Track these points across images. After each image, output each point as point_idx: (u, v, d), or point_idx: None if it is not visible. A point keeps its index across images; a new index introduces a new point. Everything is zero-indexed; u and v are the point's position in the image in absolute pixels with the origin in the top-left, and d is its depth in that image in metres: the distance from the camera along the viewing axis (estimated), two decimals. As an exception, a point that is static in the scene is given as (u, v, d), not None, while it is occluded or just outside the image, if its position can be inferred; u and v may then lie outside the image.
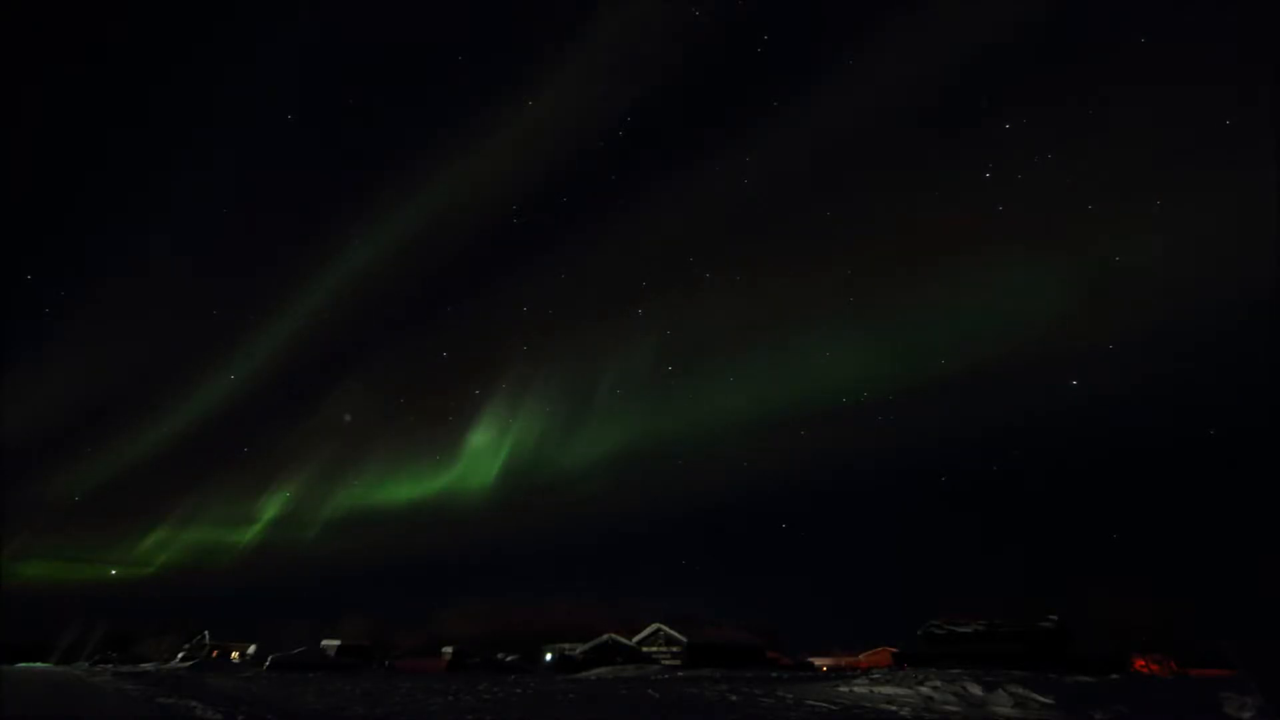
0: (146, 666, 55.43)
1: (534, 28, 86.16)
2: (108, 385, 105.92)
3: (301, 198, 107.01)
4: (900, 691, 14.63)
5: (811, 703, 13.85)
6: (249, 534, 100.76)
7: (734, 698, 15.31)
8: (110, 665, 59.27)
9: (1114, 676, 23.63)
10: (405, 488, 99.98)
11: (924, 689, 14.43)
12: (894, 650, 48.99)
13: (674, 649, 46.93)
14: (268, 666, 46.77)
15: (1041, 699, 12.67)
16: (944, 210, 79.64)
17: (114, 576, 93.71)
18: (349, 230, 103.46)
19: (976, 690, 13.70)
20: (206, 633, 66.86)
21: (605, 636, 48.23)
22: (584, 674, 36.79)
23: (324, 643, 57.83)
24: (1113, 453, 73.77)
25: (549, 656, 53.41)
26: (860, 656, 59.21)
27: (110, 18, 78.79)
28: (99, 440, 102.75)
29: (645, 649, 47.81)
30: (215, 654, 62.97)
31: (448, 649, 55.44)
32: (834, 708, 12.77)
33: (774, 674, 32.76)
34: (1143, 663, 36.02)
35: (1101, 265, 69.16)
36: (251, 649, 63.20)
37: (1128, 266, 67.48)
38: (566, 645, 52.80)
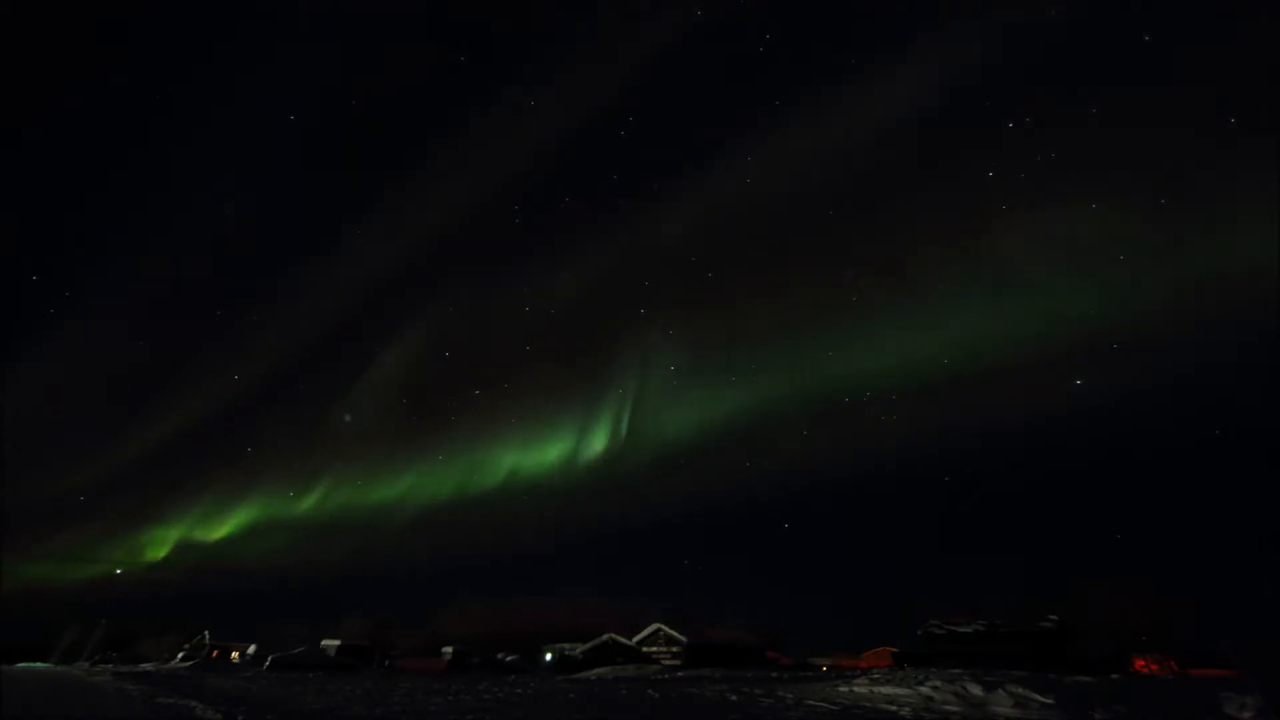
0: (146, 666, 55.44)
1: (535, 28, 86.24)
2: (111, 385, 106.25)
3: (304, 198, 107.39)
4: (900, 691, 14.62)
5: (811, 703, 13.84)
6: (250, 534, 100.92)
7: (734, 698, 15.31)
8: (110, 665, 59.29)
9: (1114, 676, 23.61)
10: (407, 487, 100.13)
11: (924, 689, 14.43)
12: (894, 650, 48.94)
13: (674, 649, 46.89)
14: (268, 666, 46.74)
15: (1041, 699, 12.67)
16: (947, 209, 79.84)
17: (117, 576, 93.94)
18: (352, 230, 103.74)
19: (976, 690, 13.69)
20: (206, 633, 66.82)
21: (605, 636, 48.19)
22: (584, 674, 36.78)
23: (324, 643, 57.76)
24: (1114, 452, 73.91)
25: (549, 656, 53.36)
26: (860, 656, 59.17)
27: (113, 21, 78.86)
28: (102, 440, 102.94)
29: (645, 649, 47.76)
30: (215, 654, 62.93)
31: (448, 649, 55.39)
32: (834, 708, 12.76)
33: (774, 674, 32.76)
34: (1143, 663, 35.99)
35: (1105, 264, 69.31)
36: (251, 649, 63.14)
37: (1131, 266, 67.62)
38: (566, 645, 52.73)
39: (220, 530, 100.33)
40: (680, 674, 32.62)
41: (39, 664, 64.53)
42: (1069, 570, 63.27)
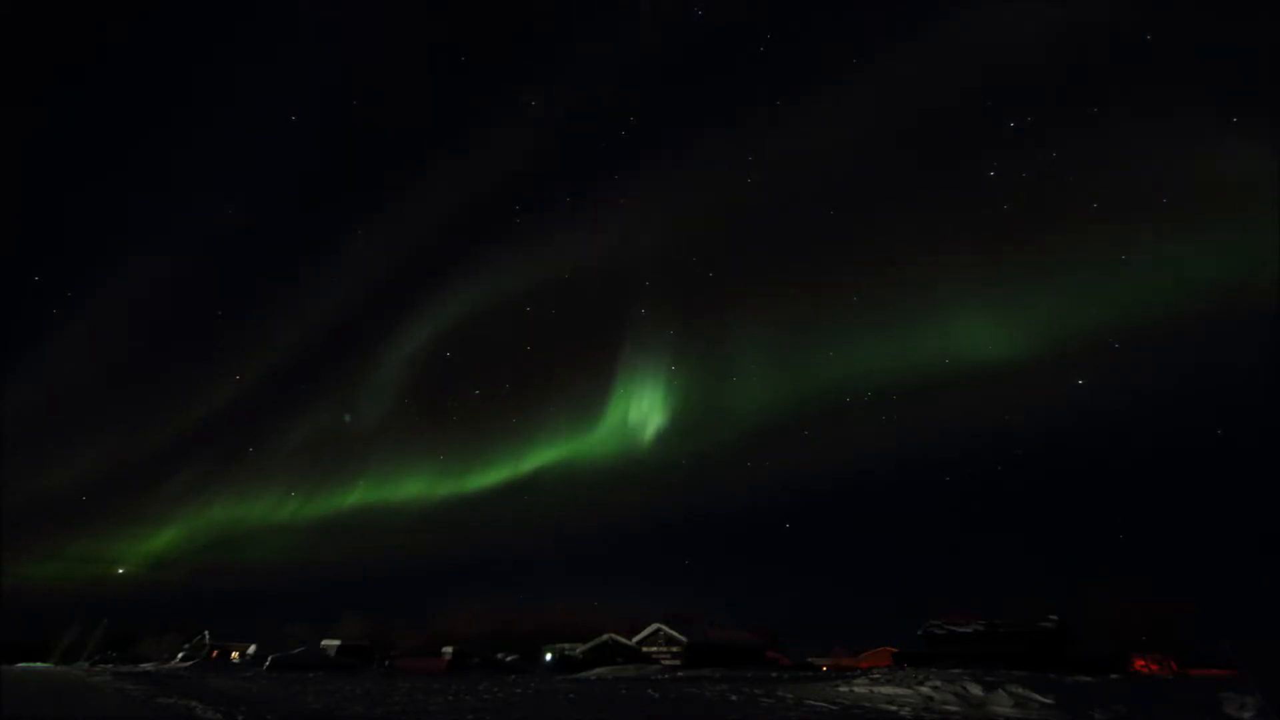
0: (146, 666, 55.44)
1: (535, 28, 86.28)
2: (112, 385, 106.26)
3: (304, 198, 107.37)
4: (900, 691, 14.62)
5: (811, 703, 13.84)
6: (250, 534, 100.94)
7: (734, 698, 15.31)
8: (110, 665, 59.29)
9: (1114, 676, 23.62)
10: (408, 488, 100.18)
11: (924, 689, 14.42)
12: (894, 650, 48.96)
13: (674, 649, 46.89)
14: (268, 666, 46.75)
15: (1041, 699, 12.67)
16: (947, 209, 79.85)
17: (119, 575, 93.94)
18: (352, 230, 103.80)
19: (976, 690, 13.69)
20: (206, 633, 66.81)
21: (605, 636, 48.18)
22: (584, 674, 36.78)
23: (324, 643, 57.79)
24: (1115, 453, 73.84)
25: (549, 656, 53.37)
26: (860, 656, 59.18)
27: (114, 21, 78.92)
28: (102, 440, 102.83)
29: (645, 649, 47.77)
30: (215, 654, 62.95)
31: (448, 649, 55.40)
32: (834, 708, 12.76)
33: (774, 674, 32.75)
34: (1143, 663, 35.97)
35: (1106, 264, 69.25)
36: (251, 649, 63.17)
37: (1133, 265, 67.57)
38: (566, 645, 52.75)
39: (220, 530, 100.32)
40: (680, 674, 32.61)
41: (39, 664, 64.50)
42: (1069, 570, 63.46)
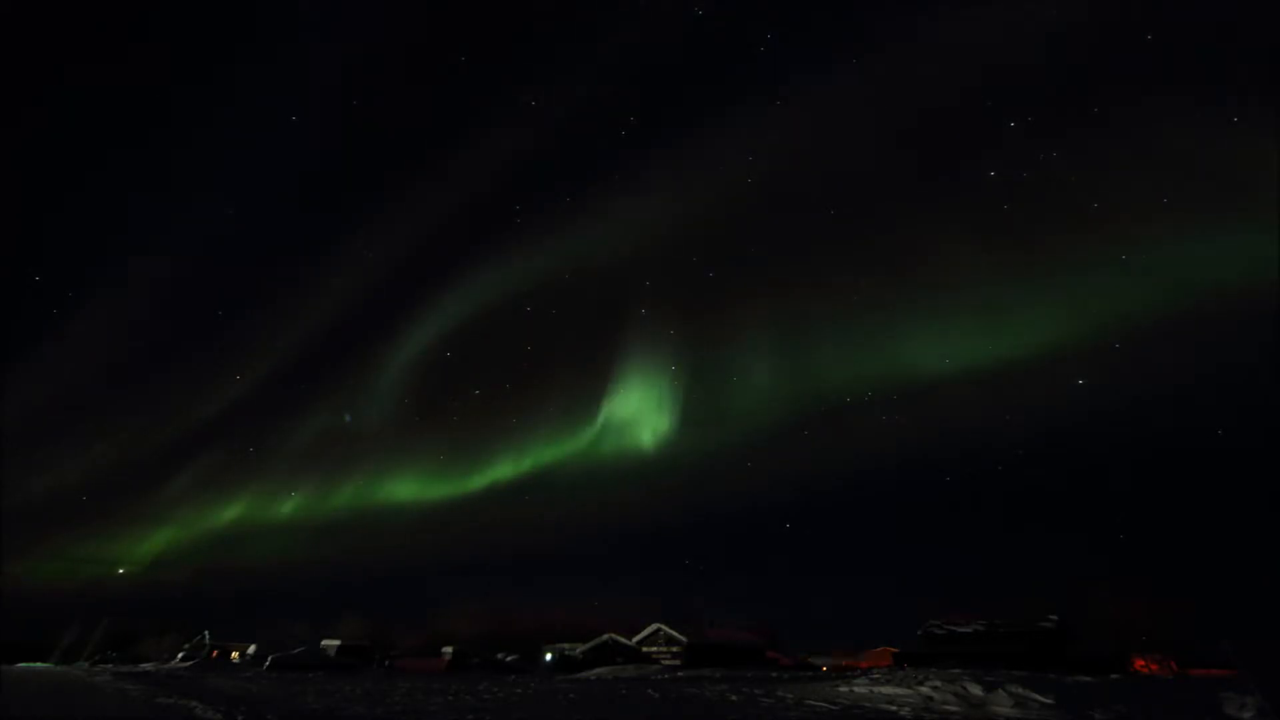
0: (146, 666, 55.44)
1: (535, 28, 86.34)
2: (113, 385, 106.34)
3: (304, 199, 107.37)
4: (900, 691, 14.62)
5: (811, 703, 13.84)
6: (251, 534, 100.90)
7: (734, 698, 15.31)
8: (110, 665, 59.29)
9: (1114, 676, 23.63)
10: (409, 487, 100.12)
11: (924, 689, 14.43)
12: (894, 650, 48.96)
13: (674, 649, 46.90)
14: (268, 666, 46.74)
15: (1041, 699, 12.67)
16: (947, 209, 79.81)
17: (119, 575, 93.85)
18: (352, 230, 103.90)
19: (976, 690, 13.69)
20: (206, 633, 66.78)
21: (605, 636, 48.18)
22: (584, 674, 36.77)
23: (324, 643, 57.75)
24: (1115, 453, 73.75)
25: (549, 656, 53.34)
26: (860, 656, 59.17)
27: (114, 21, 78.96)
28: (102, 440, 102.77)
29: (645, 649, 47.77)
30: (215, 654, 62.92)
31: (448, 649, 55.36)
32: (834, 708, 12.76)
33: (774, 674, 32.75)
34: (1143, 663, 35.99)
35: (1106, 264, 69.21)
36: (251, 649, 63.10)
37: (1133, 264, 67.52)
38: (566, 645, 52.72)
39: (220, 530, 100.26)
40: (680, 674, 32.61)
41: (39, 664, 64.49)
42: (1069, 570, 63.38)
